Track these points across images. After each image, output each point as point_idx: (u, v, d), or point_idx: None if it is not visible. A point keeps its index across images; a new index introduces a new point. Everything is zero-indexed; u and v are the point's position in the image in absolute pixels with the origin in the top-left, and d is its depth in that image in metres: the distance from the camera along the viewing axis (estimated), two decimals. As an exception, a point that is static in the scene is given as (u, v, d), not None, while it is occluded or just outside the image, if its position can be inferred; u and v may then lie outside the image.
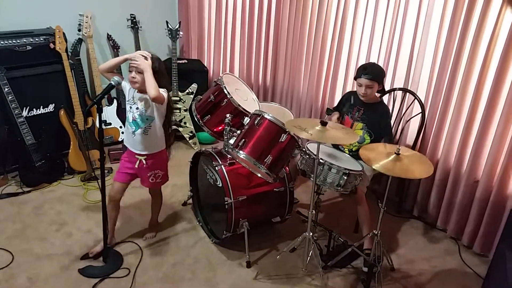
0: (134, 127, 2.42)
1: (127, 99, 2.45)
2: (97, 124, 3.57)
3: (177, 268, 2.54)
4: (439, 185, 2.95)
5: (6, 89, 3.06)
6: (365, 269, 2.48)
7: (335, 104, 3.02)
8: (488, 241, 2.71)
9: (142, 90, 2.36)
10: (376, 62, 3.05)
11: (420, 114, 2.92)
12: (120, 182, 2.53)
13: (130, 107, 2.43)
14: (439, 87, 2.84)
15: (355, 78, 2.69)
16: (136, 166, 2.47)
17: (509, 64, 2.44)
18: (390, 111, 2.93)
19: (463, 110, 2.73)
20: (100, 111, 2.19)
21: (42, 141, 3.26)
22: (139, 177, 2.56)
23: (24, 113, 3.30)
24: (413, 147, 2.99)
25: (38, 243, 2.67)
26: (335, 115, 2.84)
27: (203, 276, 2.50)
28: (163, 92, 2.35)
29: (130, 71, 2.33)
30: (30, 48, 3.31)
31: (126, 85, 2.43)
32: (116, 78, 2.26)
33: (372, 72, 2.60)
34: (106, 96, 3.83)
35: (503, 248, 2.20)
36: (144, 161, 2.47)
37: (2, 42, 3.17)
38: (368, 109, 2.72)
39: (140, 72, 2.29)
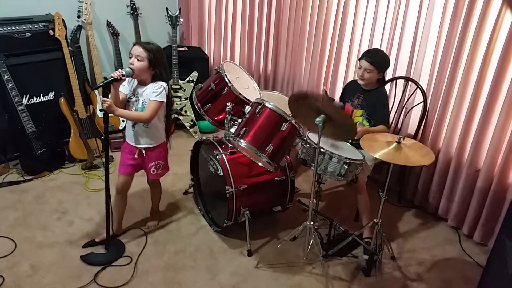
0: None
1: (128, 92, 2.40)
2: (98, 112, 3.59)
3: (179, 256, 2.56)
4: (440, 175, 2.95)
5: (6, 77, 3.04)
6: (366, 257, 2.50)
7: (336, 92, 3.01)
8: (489, 231, 2.72)
9: (141, 80, 2.35)
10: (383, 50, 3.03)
11: (422, 103, 2.90)
12: (124, 175, 2.52)
13: (128, 101, 2.40)
14: (441, 76, 2.82)
15: (359, 59, 2.69)
16: (136, 156, 2.46)
17: (512, 53, 2.42)
18: (389, 96, 2.90)
19: (465, 99, 2.71)
20: (106, 95, 2.19)
21: (43, 129, 3.25)
22: (143, 168, 2.56)
23: (24, 101, 3.28)
24: (414, 136, 2.98)
25: (40, 231, 2.69)
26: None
27: (205, 264, 2.51)
28: (161, 89, 2.32)
29: (130, 57, 2.30)
30: (29, 35, 3.27)
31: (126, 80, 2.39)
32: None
33: (374, 57, 2.60)
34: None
35: (503, 237, 2.20)
36: (143, 151, 2.46)
37: (1, 29, 3.14)
38: (367, 95, 2.72)
39: (140, 60, 2.27)
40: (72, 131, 3.42)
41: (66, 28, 3.39)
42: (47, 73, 3.41)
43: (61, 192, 3.11)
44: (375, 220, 2.39)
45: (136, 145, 2.46)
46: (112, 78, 2.19)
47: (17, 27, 3.22)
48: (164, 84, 2.36)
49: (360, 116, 2.74)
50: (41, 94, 3.42)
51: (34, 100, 3.39)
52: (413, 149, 2.16)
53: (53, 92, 3.47)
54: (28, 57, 3.30)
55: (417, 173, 3.12)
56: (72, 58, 3.42)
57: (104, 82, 2.19)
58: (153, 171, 2.54)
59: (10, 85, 3.06)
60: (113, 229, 2.54)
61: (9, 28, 3.18)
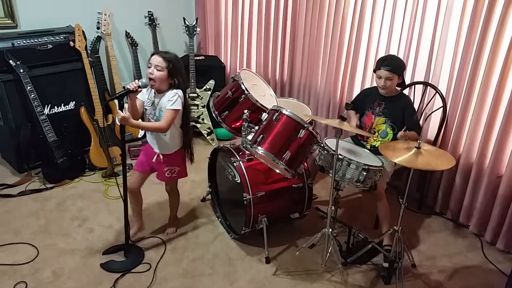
0: None
1: (145, 100, 2.43)
2: (117, 121, 3.64)
3: (197, 264, 2.56)
4: (461, 181, 2.90)
5: (28, 87, 3.12)
6: (386, 265, 2.46)
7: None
8: (513, 238, 2.65)
9: (160, 89, 2.38)
10: (396, 55, 3.01)
11: (442, 108, 2.87)
12: (139, 172, 2.56)
13: (146, 109, 2.44)
14: (460, 80, 2.78)
15: (374, 71, 2.66)
16: (153, 160, 2.49)
17: (534, 56, 2.38)
18: (412, 101, 2.87)
19: (486, 104, 2.67)
20: (121, 107, 2.22)
21: (64, 138, 3.32)
22: (156, 170, 2.58)
23: (46, 111, 3.36)
24: (434, 142, 2.94)
25: (61, 238, 2.73)
26: (354, 120, 2.74)
27: (223, 271, 2.51)
28: (175, 97, 2.33)
29: (149, 67, 2.33)
30: (50, 46, 3.36)
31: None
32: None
33: (391, 64, 2.57)
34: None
35: (528, 244, 2.16)
36: (161, 156, 2.49)
37: (24, 41, 3.24)
38: (389, 103, 2.69)
39: (160, 70, 2.30)
40: (92, 139, 3.48)
41: (86, 39, 3.47)
42: (68, 83, 3.49)
43: (82, 200, 3.16)
44: (395, 227, 2.35)
45: (155, 150, 2.50)
46: (128, 89, 2.21)
47: (39, 39, 3.31)
48: (179, 92, 2.37)
49: (383, 124, 2.71)
50: (62, 104, 3.50)
51: (55, 109, 3.47)
52: (433, 155, 2.13)
53: (74, 102, 3.55)
54: (50, 68, 3.39)
55: (438, 179, 3.07)
56: (92, 69, 3.49)
57: (119, 93, 2.21)
58: (168, 174, 2.55)
59: (32, 95, 3.13)
60: (130, 235, 2.57)
61: (31, 41, 3.28)
